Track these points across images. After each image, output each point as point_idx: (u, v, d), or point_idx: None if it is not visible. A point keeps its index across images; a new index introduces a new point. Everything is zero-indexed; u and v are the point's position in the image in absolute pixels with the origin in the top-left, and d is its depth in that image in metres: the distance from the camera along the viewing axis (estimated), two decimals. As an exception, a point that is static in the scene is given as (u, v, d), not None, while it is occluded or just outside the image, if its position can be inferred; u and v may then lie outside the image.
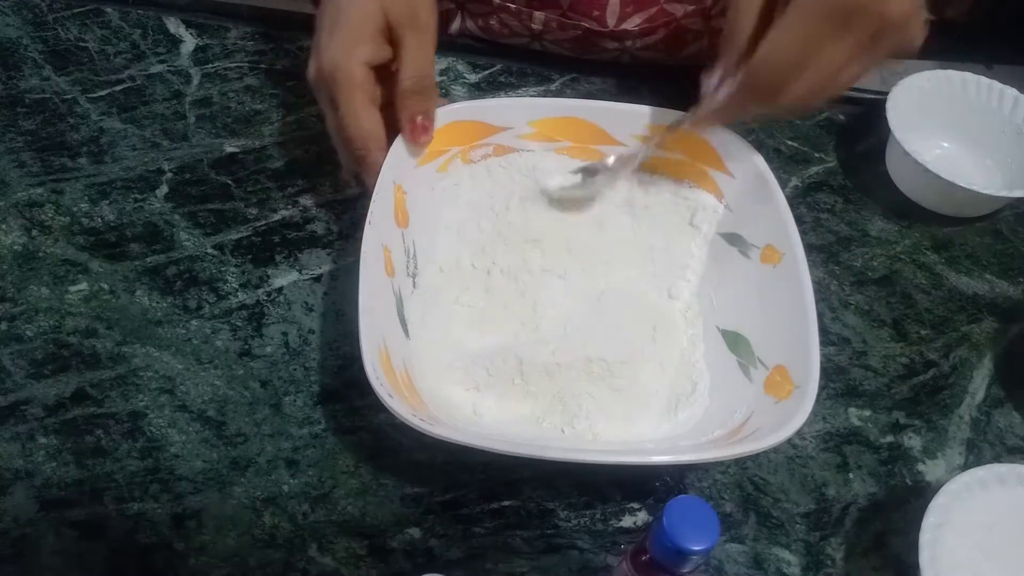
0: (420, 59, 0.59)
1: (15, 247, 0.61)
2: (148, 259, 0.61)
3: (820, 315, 0.61)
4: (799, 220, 0.57)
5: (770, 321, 0.56)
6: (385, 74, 0.59)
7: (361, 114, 0.56)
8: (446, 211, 0.62)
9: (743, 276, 0.59)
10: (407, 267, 0.58)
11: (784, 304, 0.55)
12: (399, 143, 0.59)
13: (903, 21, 0.47)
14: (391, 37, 0.58)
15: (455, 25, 0.80)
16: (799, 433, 0.55)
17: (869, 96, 0.75)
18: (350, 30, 0.57)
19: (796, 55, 0.47)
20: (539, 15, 0.74)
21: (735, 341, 0.57)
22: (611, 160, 0.62)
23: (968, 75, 0.70)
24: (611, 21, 0.74)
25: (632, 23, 0.74)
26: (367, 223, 0.55)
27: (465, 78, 0.74)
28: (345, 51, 0.56)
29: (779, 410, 0.50)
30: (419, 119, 0.59)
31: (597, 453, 0.51)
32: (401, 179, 0.59)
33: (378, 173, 0.57)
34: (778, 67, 0.47)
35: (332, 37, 0.57)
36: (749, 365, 0.55)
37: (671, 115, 0.62)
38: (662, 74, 0.75)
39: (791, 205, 0.57)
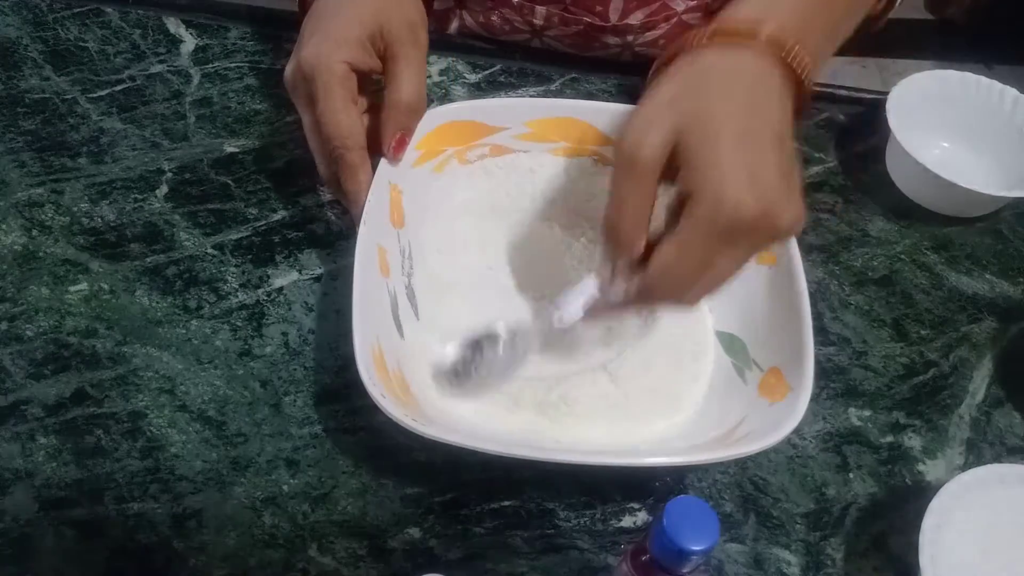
0: (418, 76, 0.59)
1: (15, 247, 0.61)
2: (148, 259, 0.61)
3: (820, 315, 0.61)
4: (799, 220, 0.57)
5: (765, 323, 0.56)
6: (366, 83, 0.59)
7: (341, 111, 0.55)
8: (442, 211, 0.62)
9: (739, 278, 0.59)
10: (402, 267, 0.58)
11: (779, 306, 0.55)
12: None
13: (791, 233, 0.48)
14: (383, 50, 0.58)
15: (454, 24, 0.80)
16: (799, 433, 0.55)
17: (869, 96, 0.75)
18: (337, 30, 0.57)
19: (692, 271, 0.47)
20: (541, 9, 0.74)
21: (730, 343, 0.57)
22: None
23: (968, 75, 0.70)
24: (613, 16, 0.74)
25: (635, 18, 0.74)
26: (362, 223, 0.55)
27: (465, 78, 0.74)
28: (328, 49, 0.56)
29: (773, 412, 0.50)
30: (400, 136, 0.58)
31: (588, 455, 0.51)
32: (397, 179, 0.59)
33: (356, 175, 0.56)
34: (676, 282, 0.48)
35: (315, 36, 0.56)
36: (744, 367, 0.55)
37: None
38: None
39: (791, 205, 0.57)
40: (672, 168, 0.48)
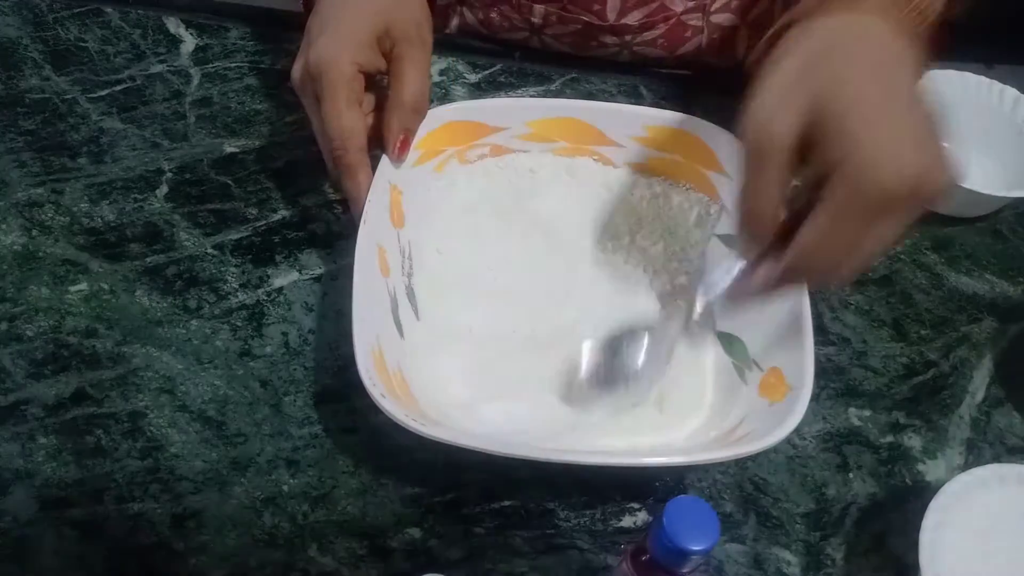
0: (422, 76, 0.59)
1: (15, 247, 0.61)
2: (148, 259, 0.61)
3: (820, 315, 0.61)
4: (799, 220, 0.57)
5: (765, 323, 0.56)
6: (371, 83, 0.59)
7: (344, 112, 0.55)
8: (442, 211, 0.62)
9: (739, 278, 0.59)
10: (402, 267, 0.58)
11: (779, 306, 0.55)
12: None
13: (942, 196, 0.45)
14: (389, 49, 0.58)
15: (454, 21, 0.80)
16: (799, 433, 0.55)
17: (869, 96, 0.75)
18: (346, 31, 0.57)
19: (843, 248, 0.45)
20: (539, 7, 0.74)
21: (730, 343, 0.57)
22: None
23: (968, 75, 0.70)
24: (611, 15, 0.74)
25: (632, 17, 0.74)
26: (361, 223, 0.55)
27: (465, 78, 0.74)
28: (337, 49, 0.56)
29: (773, 412, 0.50)
30: (404, 136, 0.58)
31: (588, 455, 0.51)
32: (397, 179, 0.59)
33: (355, 175, 0.56)
34: (825, 261, 0.46)
35: (324, 36, 0.56)
36: (744, 367, 0.55)
37: (669, 116, 0.62)
38: (661, 74, 0.75)
39: (791, 205, 0.57)
40: (805, 145, 0.46)
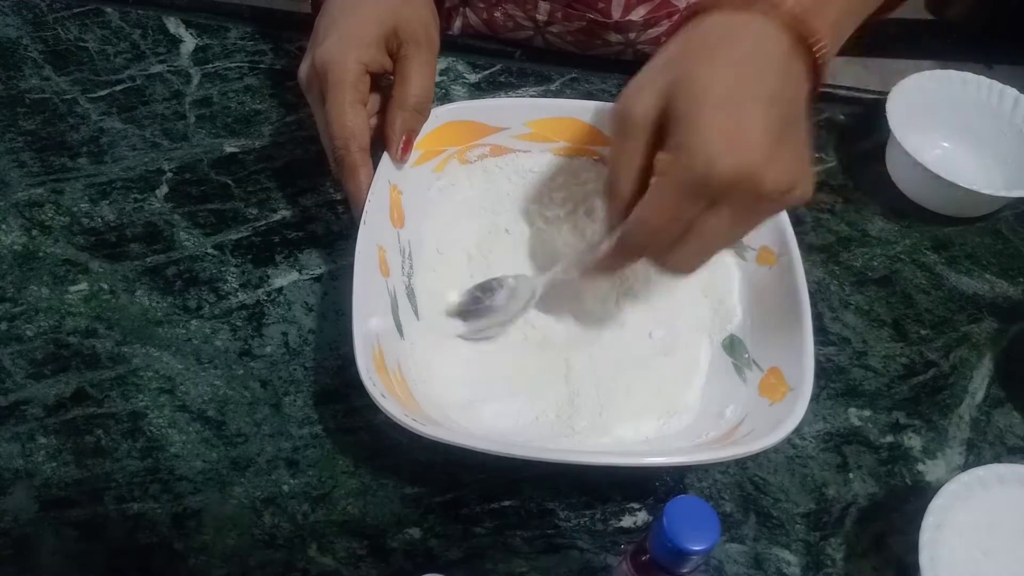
0: (427, 78, 0.59)
1: (15, 247, 0.61)
2: (148, 259, 0.61)
3: (820, 315, 0.61)
4: (799, 220, 0.58)
5: (765, 323, 0.56)
6: (376, 84, 0.59)
7: (348, 112, 0.56)
8: (442, 211, 0.62)
9: (739, 278, 0.59)
10: (402, 267, 0.58)
11: (779, 306, 0.55)
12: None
13: (782, 194, 0.46)
14: (396, 49, 0.58)
15: (457, 22, 0.80)
16: (799, 433, 0.55)
17: (869, 96, 0.75)
18: (354, 30, 0.57)
19: (666, 224, 0.47)
20: (544, 5, 0.75)
21: (730, 343, 0.57)
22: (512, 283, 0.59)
23: (968, 75, 0.70)
24: (616, 12, 0.74)
25: (636, 14, 0.74)
26: (361, 223, 0.55)
27: (465, 78, 0.74)
28: (344, 49, 0.56)
29: (773, 412, 0.50)
30: (407, 136, 0.59)
31: (588, 455, 0.51)
32: (397, 179, 0.59)
33: (356, 175, 0.56)
34: (650, 236, 0.48)
35: (331, 35, 0.56)
36: (744, 367, 0.55)
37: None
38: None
39: (791, 205, 0.57)
40: (663, 128, 0.47)
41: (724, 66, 0.47)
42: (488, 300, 0.58)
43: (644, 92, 0.48)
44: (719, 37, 0.48)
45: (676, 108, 0.46)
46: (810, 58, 0.48)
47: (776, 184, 0.45)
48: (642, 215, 0.47)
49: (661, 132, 0.47)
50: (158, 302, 0.59)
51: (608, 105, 0.67)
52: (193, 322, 0.58)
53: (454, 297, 0.59)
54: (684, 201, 0.46)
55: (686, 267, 0.49)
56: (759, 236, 0.58)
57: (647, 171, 0.49)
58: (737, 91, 0.46)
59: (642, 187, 0.49)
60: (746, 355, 0.56)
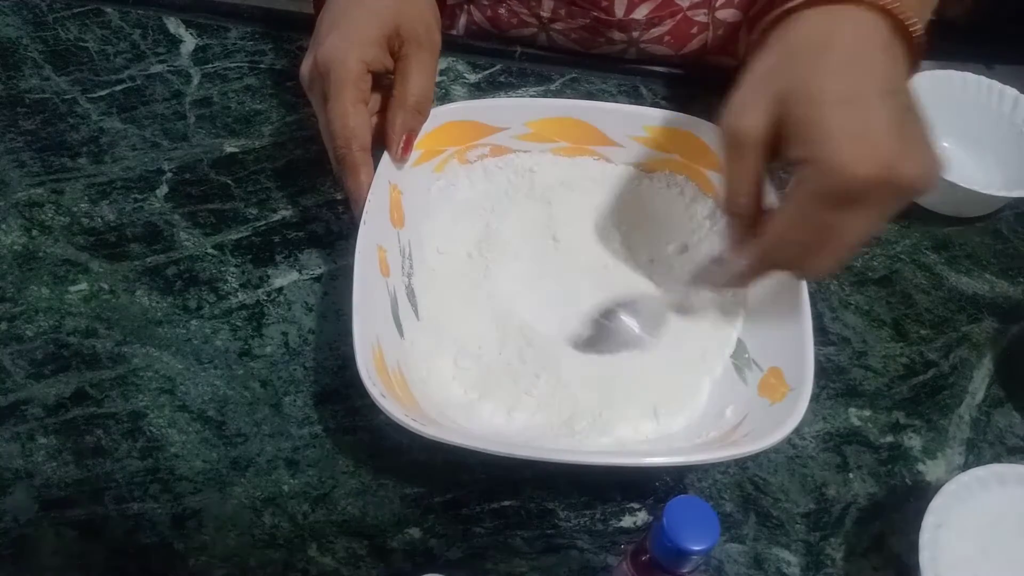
0: (427, 78, 0.59)
1: (15, 247, 0.61)
2: (148, 259, 0.61)
3: (820, 315, 0.61)
4: (799, 220, 0.57)
5: (765, 323, 0.56)
6: (378, 83, 0.59)
7: (349, 111, 0.56)
8: (442, 211, 0.62)
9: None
10: (402, 267, 0.58)
11: (779, 306, 0.55)
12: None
13: (921, 185, 0.46)
14: (397, 49, 0.58)
15: (462, 19, 0.80)
16: (799, 433, 0.55)
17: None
18: (355, 29, 0.57)
19: (807, 237, 0.46)
20: (548, 1, 0.75)
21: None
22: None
23: (968, 75, 0.70)
24: (619, 10, 0.74)
25: (640, 12, 0.74)
26: (361, 223, 0.55)
27: (465, 78, 0.74)
28: (345, 48, 0.56)
29: (773, 412, 0.50)
30: (407, 136, 0.59)
31: (588, 455, 0.51)
32: (397, 179, 0.59)
33: (357, 174, 0.56)
34: (791, 249, 0.47)
35: (333, 34, 0.56)
36: (744, 367, 0.55)
37: (668, 116, 0.62)
38: (661, 74, 0.75)
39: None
40: (779, 138, 0.47)
41: (835, 65, 0.46)
42: (613, 323, 0.58)
43: (750, 108, 0.47)
44: (821, 35, 0.47)
45: (794, 116, 0.45)
46: (908, 40, 0.48)
47: (913, 176, 0.45)
48: (781, 231, 0.47)
49: (773, 143, 0.47)
50: (158, 302, 0.59)
51: (609, 105, 0.67)
52: (193, 322, 0.58)
53: (579, 330, 0.58)
54: (823, 211, 0.45)
55: (827, 272, 0.49)
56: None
57: (763, 184, 0.49)
58: (855, 89, 0.45)
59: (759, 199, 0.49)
60: (746, 355, 0.56)
